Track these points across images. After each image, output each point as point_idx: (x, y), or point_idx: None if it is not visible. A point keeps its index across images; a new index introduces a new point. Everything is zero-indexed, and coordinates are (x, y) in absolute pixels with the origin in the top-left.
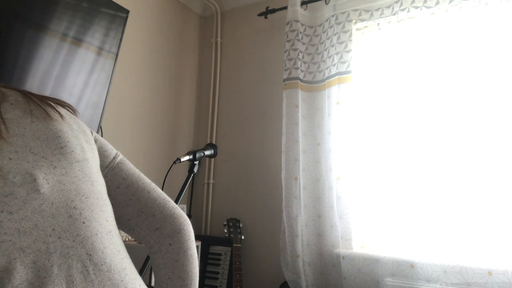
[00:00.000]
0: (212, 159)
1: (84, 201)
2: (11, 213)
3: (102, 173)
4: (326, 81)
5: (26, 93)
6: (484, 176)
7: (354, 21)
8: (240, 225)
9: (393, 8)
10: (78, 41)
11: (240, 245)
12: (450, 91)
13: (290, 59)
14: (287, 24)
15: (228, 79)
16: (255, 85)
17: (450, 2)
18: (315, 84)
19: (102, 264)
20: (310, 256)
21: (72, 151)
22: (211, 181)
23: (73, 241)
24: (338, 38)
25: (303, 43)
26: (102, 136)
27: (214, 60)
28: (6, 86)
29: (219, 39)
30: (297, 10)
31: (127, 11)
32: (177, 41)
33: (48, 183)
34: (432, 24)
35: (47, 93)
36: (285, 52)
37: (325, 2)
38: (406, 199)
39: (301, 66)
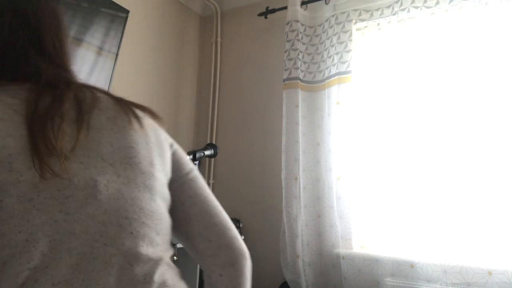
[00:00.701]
0: (212, 159)
1: (138, 212)
2: (68, 214)
3: (171, 187)
4: (326, 81)
5: (118, 99)
6: (484, 177)
7: (354, 21)
8: (240, 225)
9: (393, 8)
10: (78, 41)
11: None
12: (450, 91)
13: (290, 59)
14: (287, 24)
15: (228, 79)
16: (255, 85)
17: (450, 2)
18: (315, 84)
19: (141, 276)
20: (310, 256)
21: (140, 162)
22: (211, 181)
23: (117, 249)
24: (338, 38)
25: (303, 43)
26: None
27: (214, 60)
28: (101, 90)
29: (219, 39)
30: (297, 10)
31: (127, 11)
32: (177, 41)
33: (107, 190)
34: (432, 24)
35: None
36: (285, 52)
37: (325, 2)
38: (406, 199)
39: (301, 66)
